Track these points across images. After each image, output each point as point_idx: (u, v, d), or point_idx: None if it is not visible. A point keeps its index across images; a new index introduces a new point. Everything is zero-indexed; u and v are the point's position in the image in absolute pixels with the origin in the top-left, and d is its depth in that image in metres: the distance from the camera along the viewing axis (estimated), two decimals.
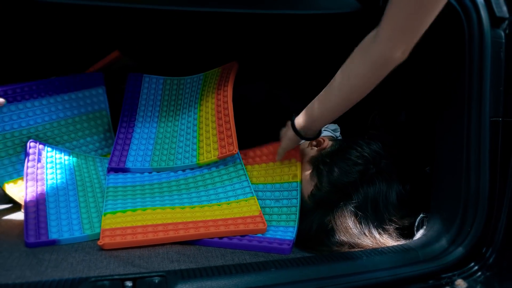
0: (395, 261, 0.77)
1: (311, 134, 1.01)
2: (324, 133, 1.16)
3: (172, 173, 1.16)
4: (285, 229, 0.98)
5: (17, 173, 1.08)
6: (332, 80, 0.89)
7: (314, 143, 1.12)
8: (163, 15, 1.32)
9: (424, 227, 0.90)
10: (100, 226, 0.94)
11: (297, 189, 1.04)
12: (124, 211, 0.97)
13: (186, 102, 1.28)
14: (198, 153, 1.16)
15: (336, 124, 1.23)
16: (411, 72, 1.16)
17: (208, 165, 1.16)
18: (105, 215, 0.96)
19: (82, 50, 1.38)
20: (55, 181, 1.06)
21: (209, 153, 1.14)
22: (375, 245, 0.91)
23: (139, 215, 0.96)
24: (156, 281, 0.68)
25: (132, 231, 0.91)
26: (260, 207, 1.04)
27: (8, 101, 1.07)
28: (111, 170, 1.15)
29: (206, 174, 1.14)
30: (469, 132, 0.81)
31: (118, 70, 1.35)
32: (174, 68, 1.41)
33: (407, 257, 0.78)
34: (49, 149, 1.12)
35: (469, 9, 0.83)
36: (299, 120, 0.99)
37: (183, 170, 1.17)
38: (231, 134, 1.13)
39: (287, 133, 1.03)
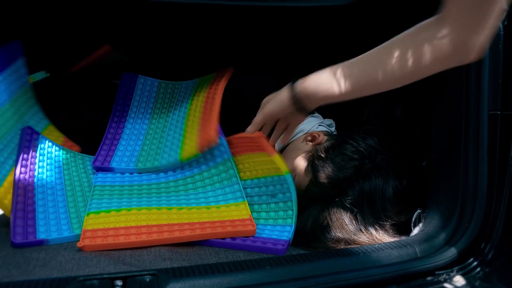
0: (392, 257, 0.75)
1: (309, 104, 0.86)
2: (319, 128, 1.15)
3: (162, 174, 1.14)
4: (282, 229, 0.96)
5: None
6: (369, 54, 0.77)
7: (309, 138, 1.11)
8: (156, 7, 1.30)
9: (421, 223, 0.89)
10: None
11: (287, 182, 0.97)
12: (108, 211, 0.94)
13: (178, 104, 1.26)
14: (182, 150, 1.13)
15: (331, 119, 1.21)
16: None
17: (198, 165, 1.11)
18: (88, 214, 0.93)
19: (71, 44, 1.35)
20: (44, 177, 1.03)
21: (191, 147, 1.09)
22: (371, 242, 0.90)
23: (123, 216, 0.93)
24: (147, 280, 0.66)
25: (114, 233, 0.87)
26: (258, 204, 1.02)
27: None
28: (96, 169, 1.12)
29: (196, 175, 1.11)
30: (467, 125, 0.80)
31: (109, 64, 1.32)
32: (167, 64, 1.38)
33: (404, 254, 0.76)
34: (43, 139, 1.10)
35: None
36: (303, 82, 0.85)
37: (174, 171, 1.14)
38: (214, 127, 1.04)
39: (279, 95, 0.91)
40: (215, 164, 1.09)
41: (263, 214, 1.00)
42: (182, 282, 0.65)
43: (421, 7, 0.89)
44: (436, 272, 0.76)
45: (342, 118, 1.27)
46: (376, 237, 0.90)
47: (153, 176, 1.14)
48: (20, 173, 0.99)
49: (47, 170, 1.05)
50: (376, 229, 0.92)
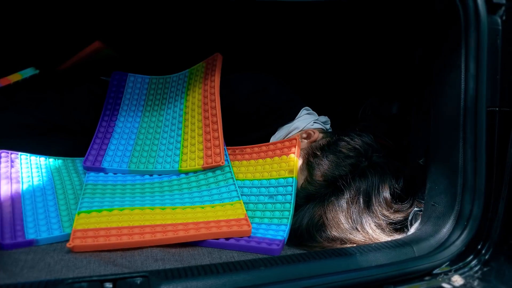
0: (389, 257, 0.73)
1: None
2: (314, 125, 1.13)
3: (156, 174, 1.12)
4: (277, 228, 0.94)
5: None
6: None
7: (304, 135, 1.09)
8: (146, 2, 1.27)
9: (418, 221, 0.87)
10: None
11: (293, 185, 1.00)
12: (99, 211, 0.92)
13: (172, 97, 1.24)
14: (181, 159, 1.11)
15: (327, 116, 1.19)
16: (404, 61, 1.13)
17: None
18: (78, 214, 0.90)
19: (61, 40, 1.32)
20: (31, 182, 1.01)
21: (193, 160, 1.09)
22: (368, 241, 0.88)
23: (115, 216, 0.91)
24: (138, 282, 0.63)
25: (105, 233, 0.85)
26: (254, 203, 1.00)
27: None
28: (86, 169, 1.09)
29: (191, 176, 1.09)
30: (466, 122, 0.78)
31: (99, 61, 1.29)
32: (158, 59, 1.36)
33: (401, 253, 0.75)
34: (24, 156, 1.08)
35: None
36: None
37: None
38: (219, 144, 1.09)
39: None
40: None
41: (258, 213, 0.99)
42: (174, 284, 0.63)
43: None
44: (434, 272, 0.74)
45: (337, 115, 1.25)
46: (373, 236, 0.89)
47: (147, 176, 1.11)
48: (1, 185, 0.97)
49: (33, 179, 1.03)
50: (372, 228, 0.90)
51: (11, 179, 1.00)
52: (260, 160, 1.09)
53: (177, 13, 1.35)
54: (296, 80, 1.35)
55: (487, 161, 0.77)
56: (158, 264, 0.79)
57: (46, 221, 0.91)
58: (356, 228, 0.90)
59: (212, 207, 0.98)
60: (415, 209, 0.90)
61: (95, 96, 1.24)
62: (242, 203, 0.98)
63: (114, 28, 1.35)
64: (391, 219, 0.91)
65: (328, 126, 1.17)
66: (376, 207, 0.92)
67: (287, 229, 0.93)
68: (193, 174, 1.09)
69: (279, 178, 1.03)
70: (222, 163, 1.06)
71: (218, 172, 1.08)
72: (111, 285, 0.63)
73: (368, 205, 0.92)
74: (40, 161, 1.10)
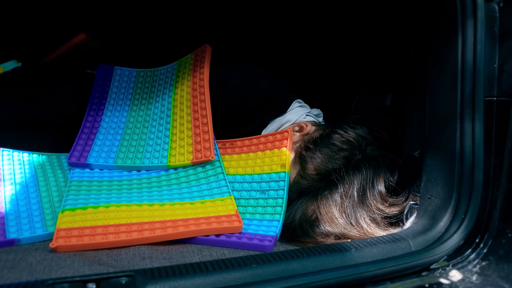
0: (385, 252, 0.71)
1: None
2: (307, 118, 1.10)
3: (143, 170, 1.08)
4: (269, 224, 0.91)
5: None
6: None
7: (296, 128, 1.07)
8: None
9: (414, 215, 0.85)
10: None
11: (285, 180, 0.97)
12: (84, 208, 0.88)
13: (160, 90, 1.20)
14: (170, 154, 1.08)
15: (319, 109, 1.17)
16: (398, 52, 1.11)
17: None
18: (62, 212, 0.86)
19: (44, 32, 1.28)
20: (13, 179, 0.97)
21: (182, 155, 1.06)
22: (362, 235, 0.86)
23: (101, 213, 0.87)
24: (123, 282, 0.60)
25: (91, 232, 0.82)
26: (245, 199, 0.98)
27: None
28: (71, 165, 1.06)
29: (181, 172, 1.06)
30: (463, 112, 0.76)
31: (84, 53, 1.26)
32: (145, 51, 1.33)
33: (398, 248, 0.72)
34: (6, 152, 1.04)
35: None
36: None
37: None
38: (209, 138, 1.05)
39: None
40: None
41: (250, 209, 0.96)
42: (160, 284, 0.60)
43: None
44: (431, 267, 0.72)
45: (330, 108, 1.23)
46: (367, 231, 0.87)
47: (134, 171, 1.08)
48: None
49: (15, 176, 0.99)
50: (367, 223, 0.88)
51: None
52: (251, 154, 1.06)
53: (165, 4, 1.31)
54: (287, 72, 1.32)
55: (485, 152, 0.75)
56: (146, 262, 0.76)
57: (29, 220, 0.87)
58: (351, 223, 0.88)
59: (202, 203, 0.95)
60: (411, 202, 0.88)
61: (81, 90, 1.21)
62: (233, 198, 0.96)
63: (100, 19, 1.31)
64: (386, 213, 0.89)
65: (320, 119, 1.15)
66: (370, 201, 0.89)
67: (279, 224, 0.90)
68: (182, 170, 1.06)
69: (271, 172, 1.00)
70: (212, 157, 1.03)
71: (208, 167, 1.05)
72: (94, 286, 0.59)
73: (362, 199, 0.90)
74: (23, 157, 1.06)
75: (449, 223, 0.75)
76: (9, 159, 1.03)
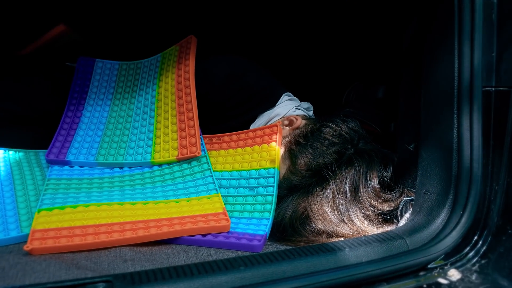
0: (381, 251, 0.67)
1: None
2: (297, 112, 1.06)
3: (126, 167, 1.03)
4: (258, 222, 0.88)
5: None
6: None
7: (285, 122, 1.03)
8: None
9: (409, 211, 0.81)
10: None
11: (274, 176, 0.93)
12: (62, 208, 0.83)
13: (143, 83, 1.16)
14: (154, 150, 1.03)
15: (309, 103, 1.13)
16: (390, 42, 1.07)
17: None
18: (39, 212, 0.82)
19: (22, 23, 1.22)
20: None
21: (167, 151, 1.02)
22: (356, 233, 0.82)
23: (80, 213, 0.83)
24: None
25: (68, 233, 0.77)
26: (233, 196, 0.94)
27: None
28: (50, 163, 1.01)
29: (165, 168, 1.01)
30: (460, 104, 0.72)
31: (63, 46, 1.20)
32: (127, 43, 1.27)
33: (394, 247, 0.69)
34: None
35: None
36: None
37: None
38: (195, 133, 1.01)
39: None
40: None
41: (238, 207, 0.92)
42: None
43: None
44: (429, 266, 0.68)
45: (320, 101, 1.19)
46: (361, 228, 0.83)
47: (117, 169, 1.03)
48: None
49: None
50: (360, 220, 0.84)
51: None
52: (239, 150, 1.02)
53: None
54: (276, 64, 1.28)
55: (483, 145, 0.71)
56: (127, 265, 0.71)
57: (3, 221, 0.83)
58: (343, 220, 0.84)
59: (188, 201, 0.90)
60: (406, 198, 0.84)
61: (60, 84, 1.16)
62: (220, 196, 0.92)
63: (80, 9, 1.25)
64: (380, 210, 0.85)
65: (311, 113, 1.11)
66: (364, 197, 0.86)
67: (269, 223, 0.86)
68: (167, 166, 1.01)
69: (260, 168, 0.96)
70: (198, 153, 0.99)
71: (194, 163, 1.00)
72: None
73: (355, 195, 0.86)
74: None
75: (446, 219, 0.72)
76: None
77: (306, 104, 1.12)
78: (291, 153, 0.94)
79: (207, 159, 1.00)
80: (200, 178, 0.97)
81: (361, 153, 0.90)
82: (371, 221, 0.85)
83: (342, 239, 0.81)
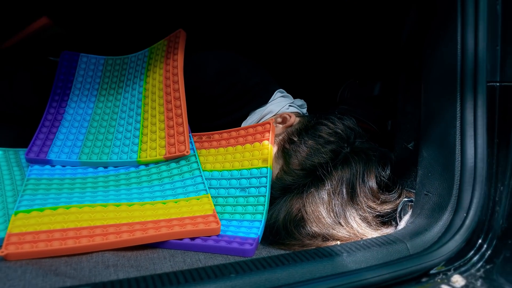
0: (381, 256, 0.63)
1: None
2: (290, 109, 1.02)
3: (111, 166, 0.99)
4: (250, 224, 0.83)
5: None
6: None
7: (279, 119, 0.99)
8: None
9: (409, 213, 0.78)
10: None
11: (267, 176, 0.89)
12: (41, 210, 0.78)
13: (130, 79, 1.11)
14: (140, 149, 0.98)
15: (303, 100, 1.09)
16: (388, 37, 1.04)
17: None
18: (16, 214, 0.77)
19: (2, 15, 1.17)
20: None
21: (154, 150, 0.97)
22: (353, 236, 0.79)
23: (60, 215, 0.78)
24: None
25: (47, 237, 0.72)
26: (223, 197, 0.90)
27: None
28: (29, 162, 0.95)
29: (152, 168, 0.97)
30: (463, 99, 0.69)
31: (46, 40, 1.16)
32: (114, 37, 1.23)
33: (394, 251, 0.65)
34: None
35: None
36: None
37: None
38: (183, 131, 0.96)
39: None
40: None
41: (229, 208, 0.87)
42: None
43: None
44: (431, 272, 0.64)
45: (313, 99, 1.15)
46: (358, 231, 0.79)
47: (101, 168, 0.98)
48: None
49: None
50: (357, 222, 0.80)
51: None
52: (230, 148, 0.98)
53: None
54: (268, 60, 1.24)
55: (488, 143, 0.68)
56: (110, 271, 0.67)
57: None
58: (339, 223, 0.81)
59: (176, 202, 0.86)
60: (405, 199, 0.81)
61: (42, 79, 1.12)
62: (210, 197, 0.87)
63: (63, 2, 1.20)
64: (378, 211, 0.82)
65: (304, 110, 1.07)
66: (361, 198, 0.82)
67: (261, 225, 0.82)
68: (154, 166, 0.96)
69: (252, 168, 0.92)
70: (187, 152, 0.94)
71: (182, 162, 0.96)
72: None
73: (352, 196, 0.83)
74: None
75: (449, 222, 0.68)
76: None
77: (299, 101, 1.08)
78: (285, 152, 0.90)
79: (196, 158, 0.96)
80: (189, 178, 0.92)
81: (358, 152, 0.86)
82: (368, 223, 0.81)
83: (338, 242, 0.77)
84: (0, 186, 0.88)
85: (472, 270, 0.65)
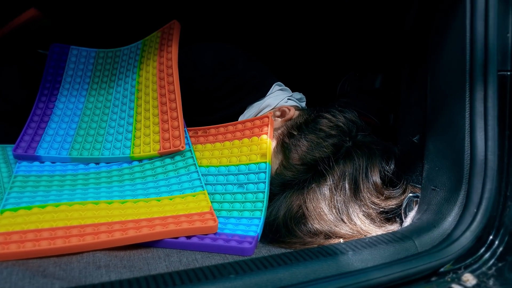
0: (388, 255, 0.60)
1: None
2: (289, 102, 0.99)
3: (103, 162, 0.95)
4: (248, 222, 0.80)
5: None
6: None
7: (277, 113, 0.95)
8: None
9: (415, 209, 0.74)
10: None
11: (266, 171, 0.86)
12: (29, 208, 0.75)
13: (122, 72, 1.07)
14: (133, 144, 0.95)
15: (301, 93, 1.05)
16: (389, 26, 1.00)
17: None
18: (2, 213, 0.73)
19: None
20: None
21: (148, 145, 0.93)
22: (356, 234, 0.75)
23: (49, 214, 0.74)
24: None
25: (35, 236, 0.68)
26: (221, 194, 0.86)
27: None
28: (17, 158, 0.91)
29: (146, 164, 0.93)
30: (473, 89, 0.65)
31: (35, 32, 1.12)
32: (105, 29, 1.19)
33: (402, 249, 0.61)
34: None
35: None
36: None
37: None
38: (178, 125, 0.93)
39: None
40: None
41: (226, 206, 0.84)
42: None
43: None
44: (441, 270, 0.61)
45: (312, 93, 1.11)
46: (361, 228, 0.76)
47: (92, 164, 0.94)
48: None
49: None
50: (360, 219, 0.77)
51: None
52: (227, 143, 0.94)
53: None
54: (265, 52, 1.20)
55: (499, 134, 0.65)
56: (101, 272, 0.63)
57: None
58: (342, 219, 0.77)
59: (171, 199, 0.82)
60: (410, 195, 0.77)
61: (31, 72, 1.08)
62: (207, 193, 0.84)
63: None
64: (382, 208, 0.79)
65: (303, 104, 1.04)
66: (364, 194, 0.79)
67: (260, 223, 0.79)
68: (148, 161, 0.93)
69: (250, 163, 0.88)
70: (182, 147, 0.90)
71: (177, 158, 0.92)
72: None
73: (355, 192, 0.79)
74: None
75: (458, 218, 0.65)
76: None
77: (298, 95, 1.04)
78: (284, 146, 0.87)
79: (192, 154, 0.92)
80: (185, 174, 0.89)
81: (360, 145, 0.83)
82: (372, 220, 0.78)
83: (341, 240, 0.74)
84: None
85: (484, 268, 0.62)
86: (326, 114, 0.88)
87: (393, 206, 0.78)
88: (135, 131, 0.96)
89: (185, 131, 0.94)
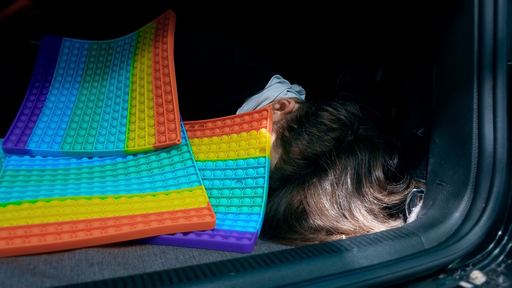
0: (394, 251, 0.57)
1: None
2: (288, 95, 0.96)
3: (96, 156, 0.92)
4: (247, 218, 0.78)
5: None
6: None
7: (277, 105, 0.93)
8: None
9: (419, 204, 0.72)
10: None
11: (265, 166, 0.83)
12: (18, 203, 0.72)
13: (116, 64, 1.04)
14: (128, 138, 0.92)
15: (301, 86, 1.03)
16: (392, 17, 0.98)
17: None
18: None
19: None
20: None
21: (143, 139, 0.91)
22: (358, 230, 0.73)
23: (40, 209, 0.71)
24: None
25: (24, 232, 0.66)
26: (218, 189, 0.84)
27: None
28: (7, 152, 0.89)
29: (141, 158, 0.90)
30: (481, 80, 0.63)
31: (27, 22, 1.09)
32: (99, 20, 1.16)
33: (408, 246, 0.59)
34: None
35: None
36: None
37: None
38: (174, 118, 0.90)
39: None
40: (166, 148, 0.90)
41: (224, 201, 0.82)
42: None
43: None
44: (449, 268, 0.59)
45: (311, 86, 1.09)
46: (364, 224, 0.74)
47: (85, 158, 0.91)
48: None
49: None
50: (363, 214, 0.75)
51: None
52: (225, 137, 0.91)
53: None
54: (263, 44, 1.17)
55: (509, 126, 0.62)
56: (94, 270, 0.61)
57: None
58: (344, 215, 0.75)
59: (166, 194, 0.80)
60: (414, 190, 0.75)
61: (22, 64, 1.06)
62: (204, 188, 0.81)
63: None
64: (385, 203, 0.76)
65: (303, 97, 1.02)
66: (366, 189, 0.77)
67: (260, 219, 0.76)
68: (143, 156, 0.90)
69: (249, 158, 0.86)
70: (179, 141, 0.88)
71: (173, 152, 0.89)
72: None
73: (357, 187, 0.77)
74: None
75: (466, 213, 0.62)
76: None
77: (297, 87, 1.02)
78: (284, 140, 0.84)
79: (188, 148, 0.89)
80: (181, 169, 0.86)
81: (363, 139, 0.81)
82: (375, 215, 0.76)
83: (343, 236, 0.72)
84: None
85: (493, 265, 0.60)
86: (327, 107, 0.85)
87: (397, 202, 0.76)
88: (130, 124, 0.93)
89: (181, 124, 0.92)
